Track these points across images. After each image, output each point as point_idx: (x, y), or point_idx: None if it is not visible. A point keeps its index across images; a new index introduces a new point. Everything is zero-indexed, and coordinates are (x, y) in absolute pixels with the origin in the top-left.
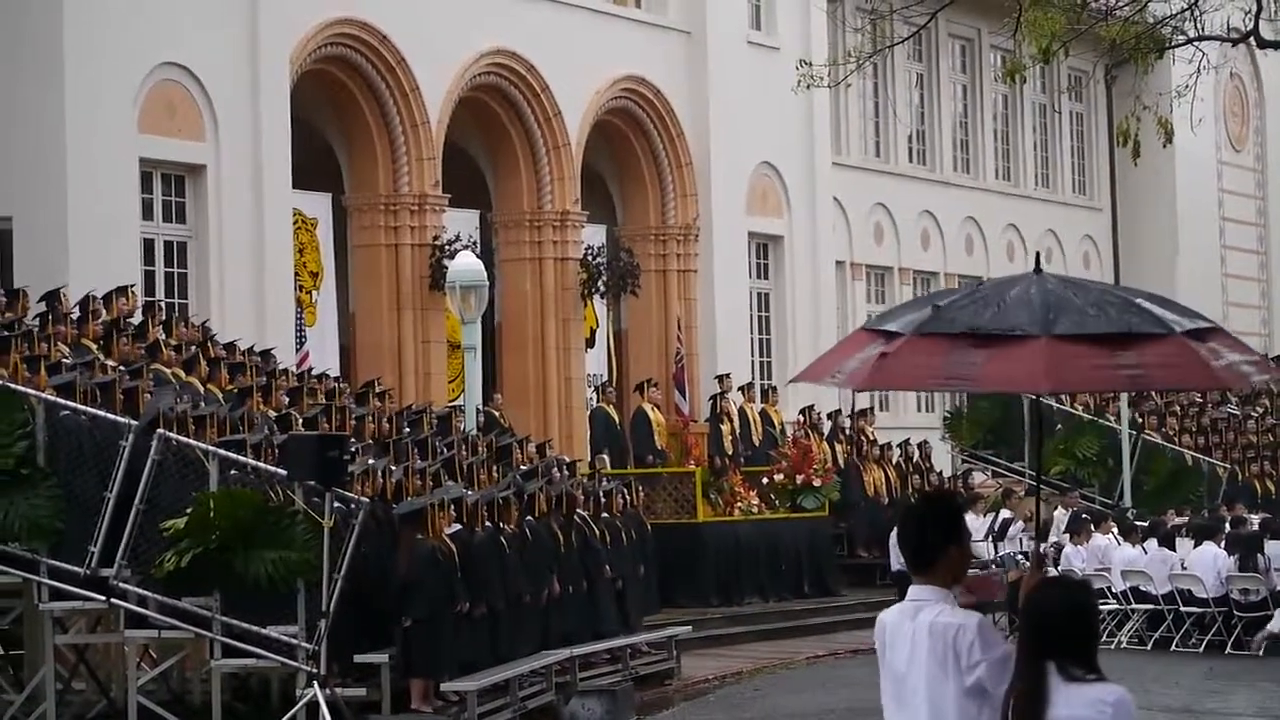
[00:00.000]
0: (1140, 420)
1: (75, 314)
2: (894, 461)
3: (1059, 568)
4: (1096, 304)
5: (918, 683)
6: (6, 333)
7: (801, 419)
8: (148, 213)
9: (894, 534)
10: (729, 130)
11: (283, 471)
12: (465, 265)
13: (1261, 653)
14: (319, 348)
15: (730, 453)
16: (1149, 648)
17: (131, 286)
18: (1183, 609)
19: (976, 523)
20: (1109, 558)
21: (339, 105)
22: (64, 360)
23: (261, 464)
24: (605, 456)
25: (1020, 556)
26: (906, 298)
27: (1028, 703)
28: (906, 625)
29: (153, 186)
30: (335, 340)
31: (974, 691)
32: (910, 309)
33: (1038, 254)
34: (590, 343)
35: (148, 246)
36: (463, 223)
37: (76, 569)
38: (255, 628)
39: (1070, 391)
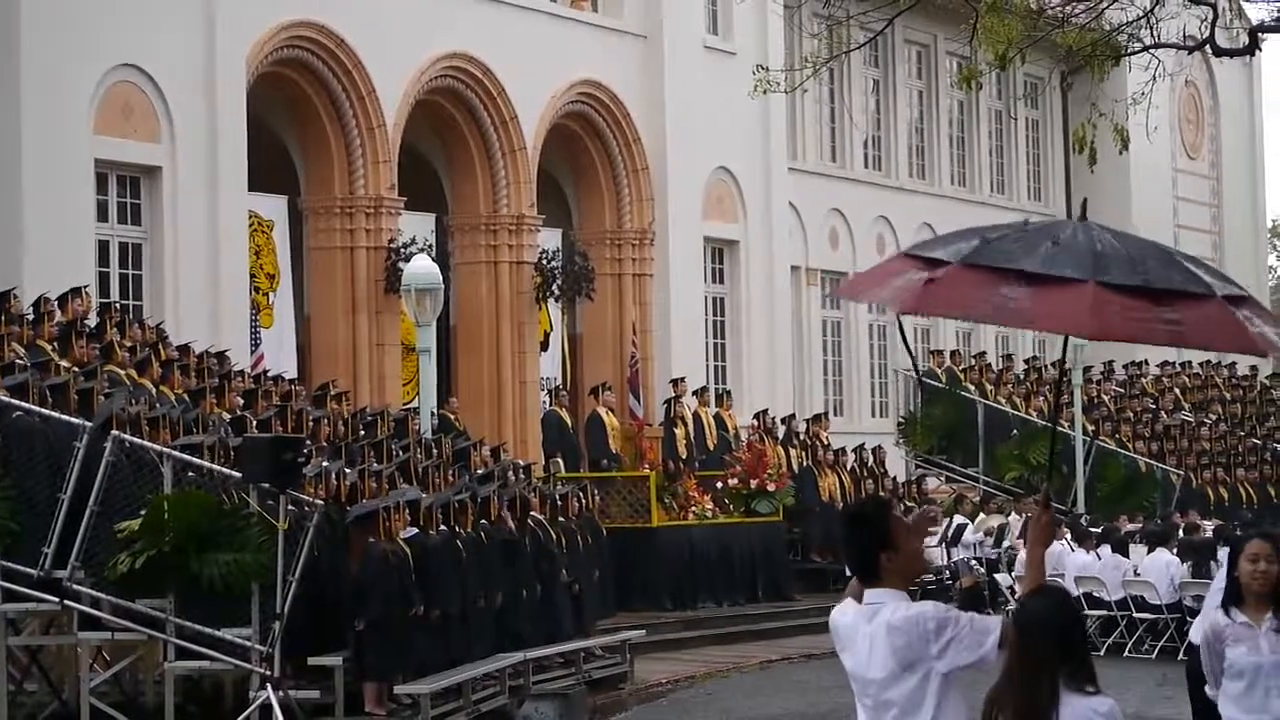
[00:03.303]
0: (1094, 426)
1: (30, 315)
2: (848, 467)
3: (1012, 573)
4: (1142, 257)
5: (879, 682)
6: None
7: (756, 423)
8: (103, 214)
9: None
10: (685, 135)
11: (237, 474)
12: (421, 268)
13: None
14: (276, 350)
15: (684, 457)
16: (1101, 653)
17: (85, 288)
18: (1136, 615)
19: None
20: (1062, 563)
21: (295, 108)
22: (17, 361)
23: (216, 466)
24: (560, 460)
25: (974, 562)
26: (860, 305)
27: (1037, 709)
28: (864, 627)
29: (108, 188)
30: (293, 343)
31: (950, 673)
32: (956, 239)
33: (1084, 200)
34: (544, 346)
35: (102, 248)
36: (418, 226)
37: (29, 570)
38: (209, 630)
39: (1112, 339)
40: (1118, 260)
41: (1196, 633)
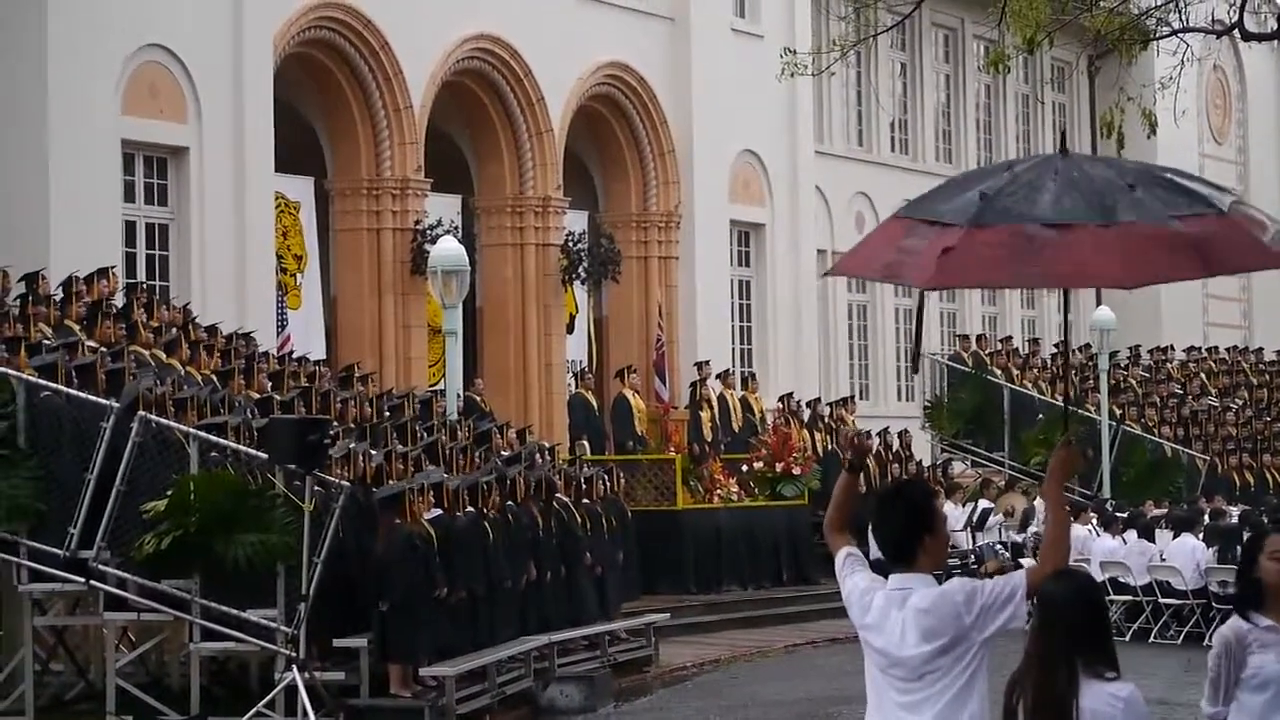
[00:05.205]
0: (1120, 411)
1: (58, 295)
2: (874, 451)
3: (1038, 558)
4: (1144, 184)
5: (913, 660)
6: None
7: (781, 406)
8: (129, 195)
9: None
10: (712, 117)
11: (263, 455)
12: (447, 250)
13: None
14: (304, 331)
15: (710, 440)
16: (1127, 639)
17: (113, 268)
18: (1161, 600)
19: (955, 512)
20: (1088, 548)
21: (322, 89)
22: (45, 341)
23: (242, 447)
24: (586, 442)
25: (999, 546)
26: (887, 288)
27: (1056, 694)
28: (894, 613)
29: (135, 168)
30: (320, 324)
31: (987, 640)
32: (949, 195)
33: (1062, 133)
34: (570, 328)
35: (129, 229)
36: (445, 207)
37: (56, 551)
38: (234, 611)
39: (1147, 284)
40: (1127, 194)
41: None
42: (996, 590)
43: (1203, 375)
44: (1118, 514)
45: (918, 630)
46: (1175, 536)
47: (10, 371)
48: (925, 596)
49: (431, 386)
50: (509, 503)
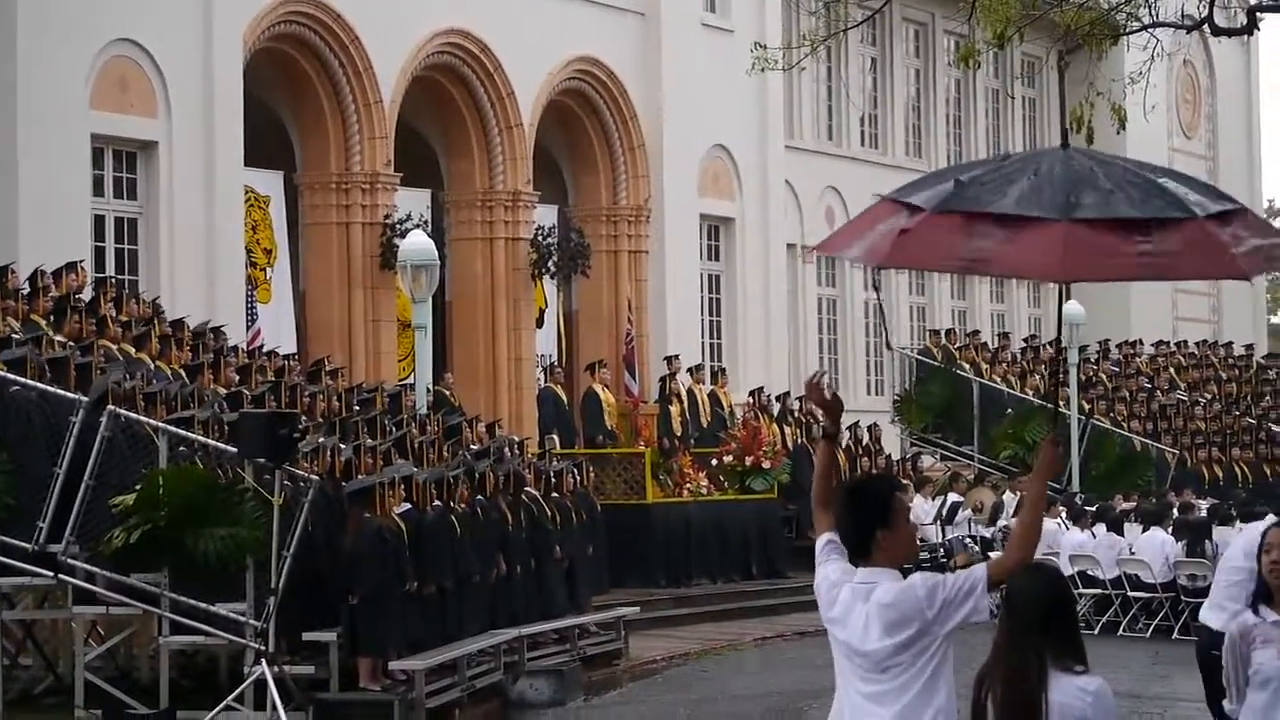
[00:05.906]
0: (1089, 405)
1: (25, 289)
2: (844, 444)
3: (1005, 549)
4: (1120, 184)
5: (875, 654)
6: None
7: (751, 400)
8: (99, 189)
9: None
10: (682, 112)
11: (233, 449)
12: (416, 244)
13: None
14: (274, 325)
15: (679, 434)
16: (1096, 632)
17: (81, 262)
18: (1130, 594)
19: (925, 506)
20: (1057, 542)
21: (292, 83)
22: (14, 336)
23: (211, 441)
24: (555, 437)
25: (968, 540)
26: (856, 282)
27: (1024, 688)
28: (859, 606)
29: (104, 163)
30: (291, 318)
31: (950, 633)
32: (934, 181)
33: (1064, 128)
34: (540, 323)
35: (98, 223)
36: (414, 202)
37: (24, 545)
38: (204, 605)
39: (1084, 281)
40: (1093, 191)
41: (1208, 615)
42: (958, 584)
43: (1172, 369)
44: (1087, 508)
45: (881, 624)
46: (1144, 530)
47: None
48: (889, 590)
49: (401, 381)
50: (478, 497)
